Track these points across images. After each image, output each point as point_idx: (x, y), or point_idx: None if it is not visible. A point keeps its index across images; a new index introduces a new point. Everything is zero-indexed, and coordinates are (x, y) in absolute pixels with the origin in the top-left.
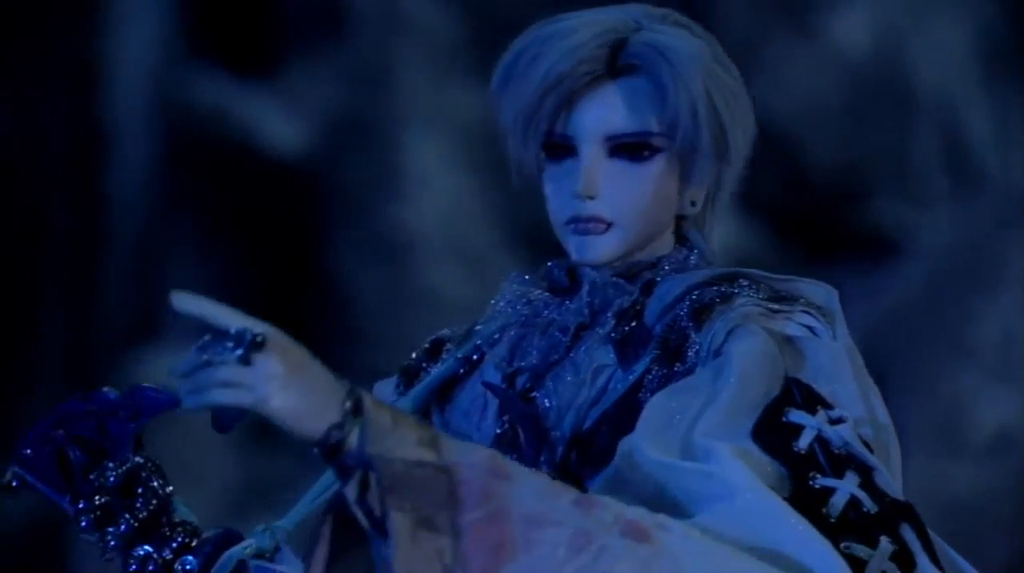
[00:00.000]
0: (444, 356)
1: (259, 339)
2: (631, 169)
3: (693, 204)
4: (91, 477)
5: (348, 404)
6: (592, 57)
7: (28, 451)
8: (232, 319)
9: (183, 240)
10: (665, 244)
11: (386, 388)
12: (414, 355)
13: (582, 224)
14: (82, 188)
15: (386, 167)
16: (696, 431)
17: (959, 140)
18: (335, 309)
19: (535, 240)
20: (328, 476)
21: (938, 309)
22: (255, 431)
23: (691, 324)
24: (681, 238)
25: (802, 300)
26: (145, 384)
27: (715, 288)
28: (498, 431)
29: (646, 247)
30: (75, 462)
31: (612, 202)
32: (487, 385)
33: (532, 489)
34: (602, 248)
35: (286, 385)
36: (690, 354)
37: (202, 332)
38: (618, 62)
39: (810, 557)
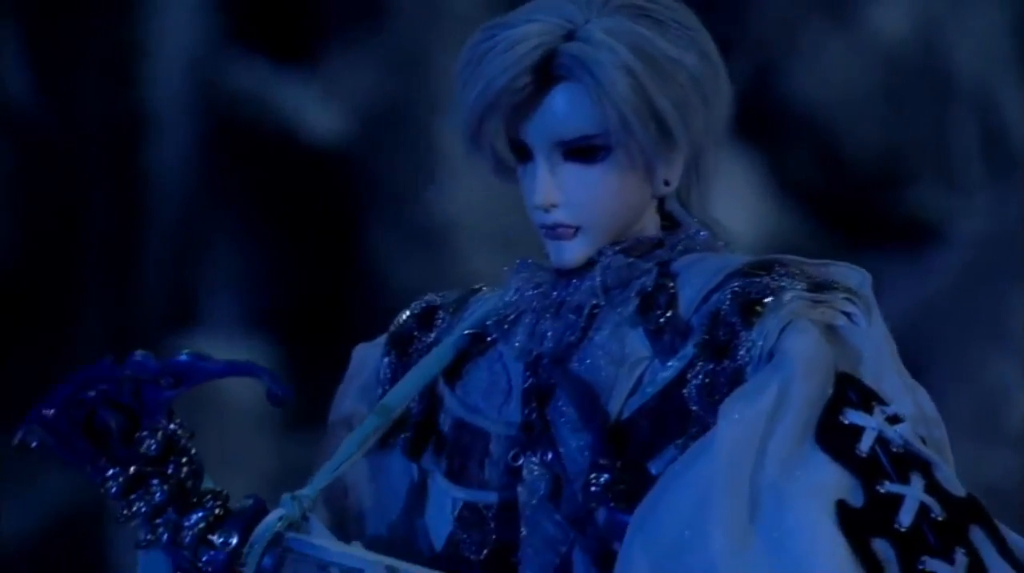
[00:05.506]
0: (438, 323)
1: None
2: (587, 171)
3: (667, 183)
4: (132, 443)
5: None
6: (525, 71)
7: (51, 412)
8: None
9: (222, 226)
10: (650, 224)
11: (371, 352)
12: (402, 320)
13: (550, 230)
14: (122, 173)
15: (424, 153)
16: (769, 463)
17: (997, 127)
18: (373, 294)
19: None
20: (349, 442)
21: (976, 296)
22: (292, 417)
23: (738, 320)
24: (665, 215)
25: (840, 286)
26: (186, 351)
27: (758, 280)
28: (522, 419)
29: (628, 232)
30: (115, 428)
31: (573, 207)
32: (551, 374)
33: None
34: (573, 252)
35: None
36: (740, 352)
37: (242, 320)
38: (551, 72)
39: None
